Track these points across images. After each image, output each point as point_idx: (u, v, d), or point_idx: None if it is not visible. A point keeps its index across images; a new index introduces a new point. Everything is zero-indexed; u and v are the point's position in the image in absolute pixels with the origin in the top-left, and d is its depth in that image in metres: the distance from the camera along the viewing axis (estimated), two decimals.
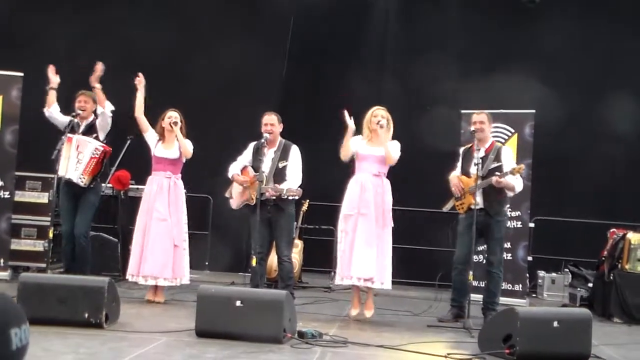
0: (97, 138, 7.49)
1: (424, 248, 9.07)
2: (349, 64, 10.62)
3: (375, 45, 10.72)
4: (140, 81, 7.34)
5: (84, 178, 7.37)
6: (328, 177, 8.51)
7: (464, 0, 10.34)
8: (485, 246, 7.42)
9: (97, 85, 7.43)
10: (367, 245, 6.80)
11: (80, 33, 10.29)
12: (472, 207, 7.03)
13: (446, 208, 7.42)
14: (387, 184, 7.03)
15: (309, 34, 10.49)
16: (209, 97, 10.28)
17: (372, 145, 7.03)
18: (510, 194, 7.19)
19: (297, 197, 7.00)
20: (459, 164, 7.35)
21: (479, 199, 7.00)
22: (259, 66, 10.45)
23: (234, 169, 7.32)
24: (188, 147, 7.28)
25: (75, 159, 7.39)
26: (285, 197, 6.88)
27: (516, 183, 7.06)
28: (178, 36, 10.35)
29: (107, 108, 7.52)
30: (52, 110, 7.56)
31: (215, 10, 10.51)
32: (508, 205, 7.53)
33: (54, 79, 7.57)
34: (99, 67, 7.41)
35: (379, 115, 7.01)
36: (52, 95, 7.56)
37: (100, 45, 10.00)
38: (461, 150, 7.47)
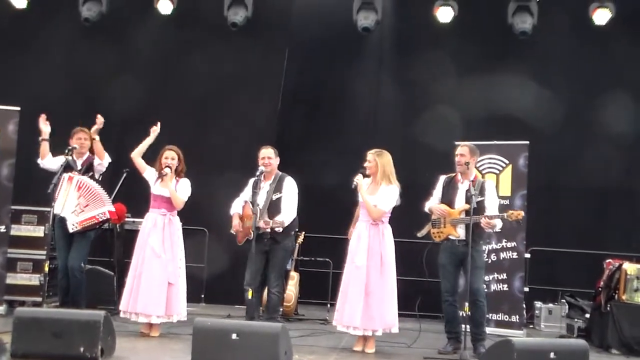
0: (92, 177, 7.52)
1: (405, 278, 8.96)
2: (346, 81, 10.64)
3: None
4: (155, 130, 7.34)
5: (76, 227, 7.39)
6: (324, 209, 8.50)
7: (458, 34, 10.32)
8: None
9: (96, 137, 7.47)
10: (359, 298, 6.90)
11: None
12: (451, 237, 7.10)
13: (421, 234, 7.36)
14: (386, 232, 7.08)
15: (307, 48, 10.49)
16: (204, 126, 10.28)
17: (369, 193, 7.08)
18: (489, 230, 7.24)
19: (280, 229, 6.96)
20: (438, 193, 7.31)
21: (460, 230, 7.07)
22: (256, 92, 10.42)
23: (235, 207, 7.34)
24: (180, 197, 7.23)
25: (76, 201, 7.41)
26: (275, 228, 6.92)
27: (498, 223, 7.13)
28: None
29: (105, 160, 7.59)
30: (46, 162, 7.59)
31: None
32: (489, 233, 7.52)
33: (45, 129, 7.58)
34: (100, 121, 7.47)
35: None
36: (44, 147, 7.59)
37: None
38: (442, 177, 7.38)
